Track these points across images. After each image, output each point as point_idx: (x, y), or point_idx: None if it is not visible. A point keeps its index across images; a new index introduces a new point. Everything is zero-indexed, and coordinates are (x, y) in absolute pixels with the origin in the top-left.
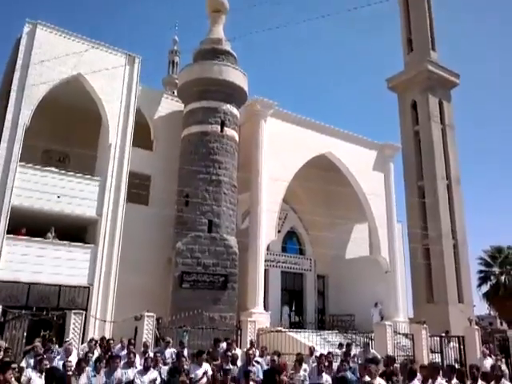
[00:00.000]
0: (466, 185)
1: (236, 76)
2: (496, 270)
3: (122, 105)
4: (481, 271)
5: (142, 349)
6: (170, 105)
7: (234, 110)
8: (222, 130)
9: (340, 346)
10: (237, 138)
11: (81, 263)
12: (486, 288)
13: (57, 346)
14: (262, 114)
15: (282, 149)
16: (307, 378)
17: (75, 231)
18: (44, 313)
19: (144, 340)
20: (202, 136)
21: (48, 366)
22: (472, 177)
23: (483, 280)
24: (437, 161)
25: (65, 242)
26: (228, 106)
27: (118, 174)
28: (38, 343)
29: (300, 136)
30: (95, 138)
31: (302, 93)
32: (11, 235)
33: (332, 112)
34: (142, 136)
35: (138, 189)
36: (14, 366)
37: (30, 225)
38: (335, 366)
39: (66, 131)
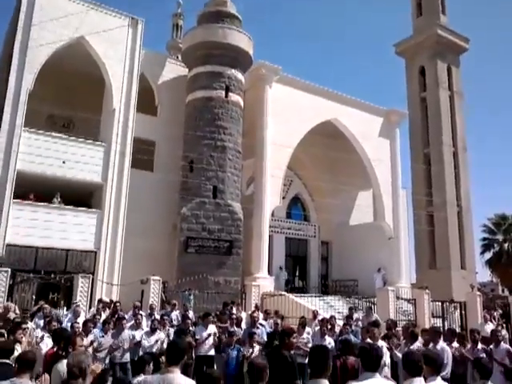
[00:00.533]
0: (473, 152)
1: (241, 39)
2: (500, 237)
3: (126, 69)
4: (484, 238)
5: (149, 311)
6: (174, 69)
7: (239, 75)
8: (226, 96)
9: (350, 310)
10: (242, 104)
11: (87, 228)
12: (488, 255)
13: (65, 309)
14: (267, 79)
15: (287, 115)
16: (310, 341)
17: (81, 197)
18: (52, 276)
19: (150, 303)
20: (207, 101)
21: (56, 327)
22: (479, 144)
23: (486, 247)
24: (444, 127)
25: (71, 206)
26: (233, 70)
27: (123, 139)
28: (46, 305)
29: (305, 102)
30: (99, 103)
31: (307, 58)
32: (18, 200)
33: (338, 78)
34: (146, 101)
35: (143, 155)
36: (24, 326)
37: (36, 190)
38: (338, 329)
39: (70, 96)
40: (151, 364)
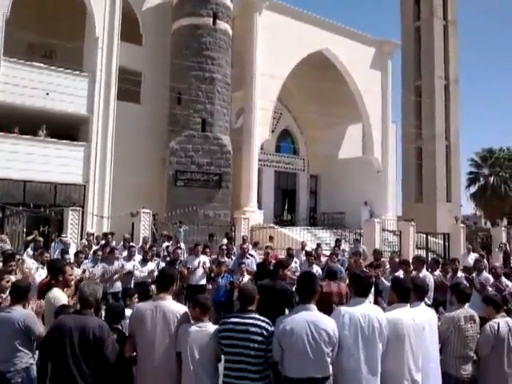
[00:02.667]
0: (464, 85)
1: None
2: (485, 171)
3: None
4: (471, 172)
5: (141, 243)
6: None
7: (227, 1)
8: (214, 23)
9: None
10: (230, 32)
11: (74, 161)
12: (474, 189)
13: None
14: (257, 5)
15: (278, 44)
16: (298, 270)
17: (67, 130)
18: (41, 209)
19: (142, 235)
20: (194, 29)
21: (48, 258)
22: (470, 77)
23: (472, 181)
24: (436, 59)
25: (56, 139)
26: None
27: (107, 69)
28: (39, 237)
29: (296, 31)
30: (81, 31)
31: None
32: (1, 133)
33: (330, 7)
34: (131, 30)
35: (129, 85)
36: (17, 257)
37: (20, 123)
38: (324, 259)
39: (50, 24)
40: (135, 297)
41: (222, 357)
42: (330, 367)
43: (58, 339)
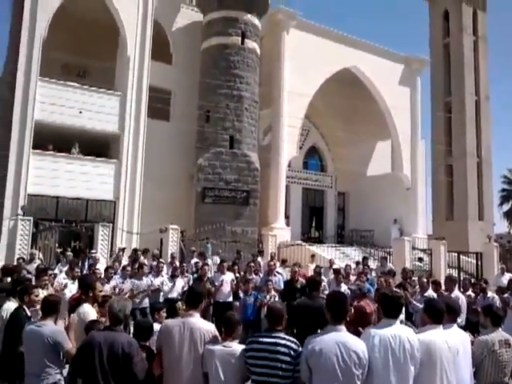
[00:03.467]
0: (495, 100)
1: None
2: None
3: (139, 15)
4: (503, 190)
5: (170, 259)
6: (188, 15)
7: (256, 21)
8: (242, 43)
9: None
10: (258, 51)
11: (106, 178)
12: (507, 207)
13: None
14: (285, 24)
15: (305, 62)
16: (327, 288)
17: (99, 147)
18: (73, 225)
19: (170, 251)
20: (223, 48)
21: (79, 274)
22: (501, 92)
23: (505, 199)
24: (466, 75)
25: (90, 157)
26: (249, 15)
27: (138, 88)
28: (69, 252)
29: (324, 49)
30: (113, 51)
31: (325, 2)
32: (38, 150)
33: (357, 24)
34: (161, 49)
35: (159, 104)
36: (49, 272)
37: (54, 141)
38: (353, 278)
39: (84, 44)
40: (163, 311)
41: (250, 377)
42: None
43: (87, 354)
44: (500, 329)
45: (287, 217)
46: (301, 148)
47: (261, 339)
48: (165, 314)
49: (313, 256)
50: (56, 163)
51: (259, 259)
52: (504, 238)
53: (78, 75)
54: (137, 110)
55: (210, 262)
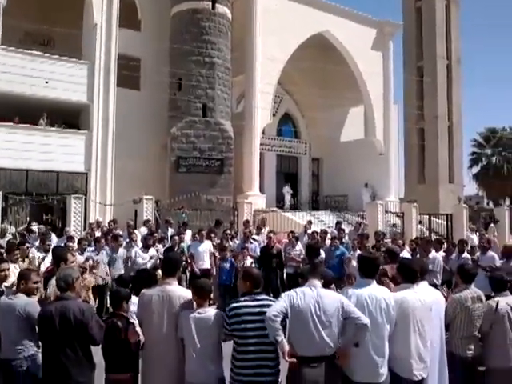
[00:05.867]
0: (466, 64)
1: None
2: (488, 151)
3: None
4: (473, 153)
5: (145, 230)
6: None
7: None
8: (213, 7)
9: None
10: (229, 16)
11: (76, 149)
12: (476, 169)
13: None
14: None
15: (278, 27)
16: (303, 252)
17: (68, 118)
18: (44, 198)
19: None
20: (193, 14)
21: (51, 246)
22: (472, 55)
23: (474, 161)
24: (438, 39)
25: (58, 128)
26: None
27: (106, 56)
28: (41, 225)
29: (296, 13)
30: (79, 18)
31: None
32: (3, 123)
33: None
34: (129, 15)
35: (129, 71)
36: (27, 245)
37: (21, 113)
38: (328, 242)
39: (47, 11)
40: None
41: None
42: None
43: (42, 326)
44: (472, 286)
45: (261, 184)
46: (274, 115)
47: (244, 303)
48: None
49: (263, 220)
50: (24, 135)
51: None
52: (473, 199)
53: (43, 44)
54: (106, 79)
55: (188, 233)
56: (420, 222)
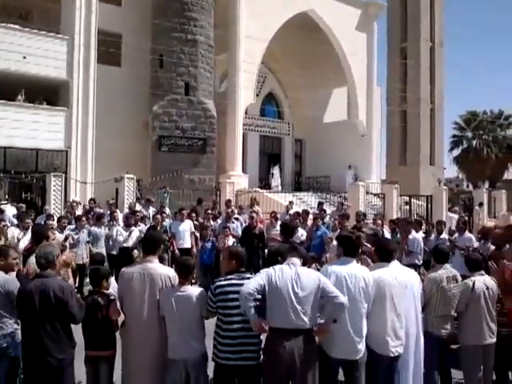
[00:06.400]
0: (450, 48)
1: None
2: (469, 134)
3: None
4: (454, 135)
5: (127, 210)
6: None
7: None
8: None
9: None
10: None
11: (56, 127)
12: (457, 152)
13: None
14: None
15: (262, 6)
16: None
17: (46, 95)
18: (23, 176)
19: (126, 200)
20: None
21: (30, 224)
22: (457, 40)
23: (455, 144)
24: (422, 22)
25: (36, 104)
26: None
27: (86, 31)
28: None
29: None
30: None
31: None
32: None
33: None
34: None
35: (110, 48)
36: (3, 223)
37: None
38: (310, 222)
39: None
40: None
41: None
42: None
43: (21, 303)
44: (448, 265)
45: (244, 164)
46: (258, 95)
47: (230, 281)
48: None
49: (254, 200)
50: (1, 112)
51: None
52: (453, 182)
53: (20, 17)
54: (86, 54)
55: (167, 211)
56: (407, 204)
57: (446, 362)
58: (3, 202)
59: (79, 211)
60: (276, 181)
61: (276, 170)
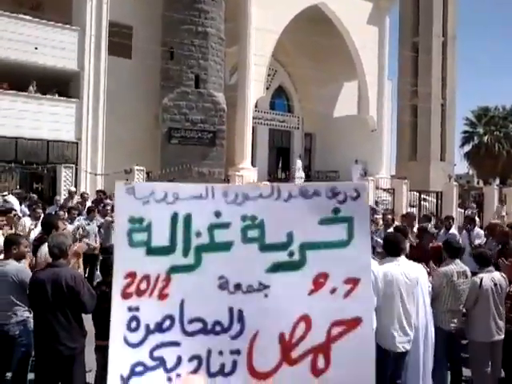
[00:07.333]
0: (462, 43)
1: None
2: (480, 130)
3: None
4: (465, 131)
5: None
6: None
7: None
8: None
9: None
10: None
11: (67, 118)
12: (468, 148)
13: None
14: None
15: None
16: None
17: (58, 86)
18: (34, 166)
19: None
20: None
21: (42, 214)
22: (469, 35)
23: (466, 140)
24: (435, 16)
25: (48, 95)
26: None
27: (97, 22)
28: (32, 194)
29: None
30: None
31: None
32: None
33: None
34: None
35: (120, 39)
36: (14, 213)
37: (9, 79)
38: None
39: None
40: None
41: None
42: None
43: (34, 293)
44: (458, 260)
45: (253, 158)
46: (268, 88)
47: None
48: None
49: None
50: (13, 102)
51: None
52: (463, 178)
53: (32, 8)
54: (97, 46)
55: None
56: (424, 200)
57: (454, 355)
58: (5, 194)
59: (89, 202)
60: (300, 173)
61: (299, 163)
